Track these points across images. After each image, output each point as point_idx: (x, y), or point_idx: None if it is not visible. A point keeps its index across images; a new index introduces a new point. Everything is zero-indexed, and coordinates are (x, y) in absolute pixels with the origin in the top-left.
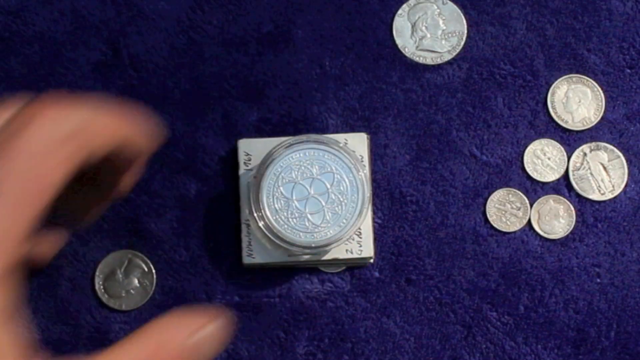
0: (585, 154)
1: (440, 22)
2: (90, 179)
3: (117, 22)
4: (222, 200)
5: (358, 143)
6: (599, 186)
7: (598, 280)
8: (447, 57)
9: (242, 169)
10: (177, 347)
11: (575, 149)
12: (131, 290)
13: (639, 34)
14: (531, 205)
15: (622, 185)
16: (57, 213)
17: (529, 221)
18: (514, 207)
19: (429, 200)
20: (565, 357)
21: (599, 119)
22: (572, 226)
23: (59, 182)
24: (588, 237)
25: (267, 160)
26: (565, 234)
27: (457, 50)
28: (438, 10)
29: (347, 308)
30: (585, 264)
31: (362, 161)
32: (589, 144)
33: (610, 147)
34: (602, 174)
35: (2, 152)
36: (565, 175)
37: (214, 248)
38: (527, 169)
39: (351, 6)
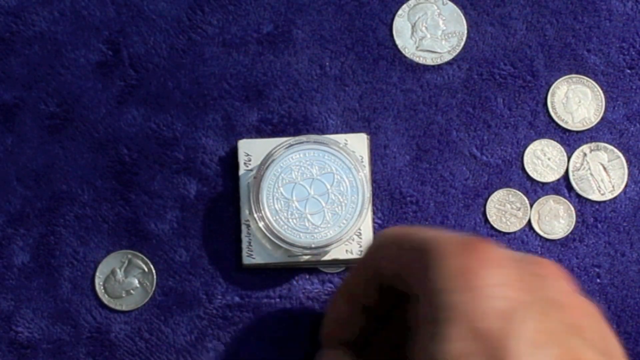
0: (585, 154)
1: (440, 22)
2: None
3: (117, 22)
4: (222, 201)
5: (358, 143)
6: (599, 186)
7: (598, 280)
8: (447, 58)
9: (242, 170)
10: None
11: (575, 149)
12: (131, 291)
13: (639, 34)
14: (531, 206)
15: (622, 186)
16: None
17: (529, 221)
18: (514, 207)
19: (429, 201)
20: None
21: (599, 119)
22: (572, 226)
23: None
24: (588, 238)
25: (267, 161)
26: (565, 235)
27: (457, 51)
28: (438, 11)
29: None
30: (585, 264)
31: (362, 161)
32: (589, 144)
33: (610, 147)
34: (602, 174)
35: None
36: (565, 176)
37: (214, 248)
38: (527, 169)
39: (351, 7)
